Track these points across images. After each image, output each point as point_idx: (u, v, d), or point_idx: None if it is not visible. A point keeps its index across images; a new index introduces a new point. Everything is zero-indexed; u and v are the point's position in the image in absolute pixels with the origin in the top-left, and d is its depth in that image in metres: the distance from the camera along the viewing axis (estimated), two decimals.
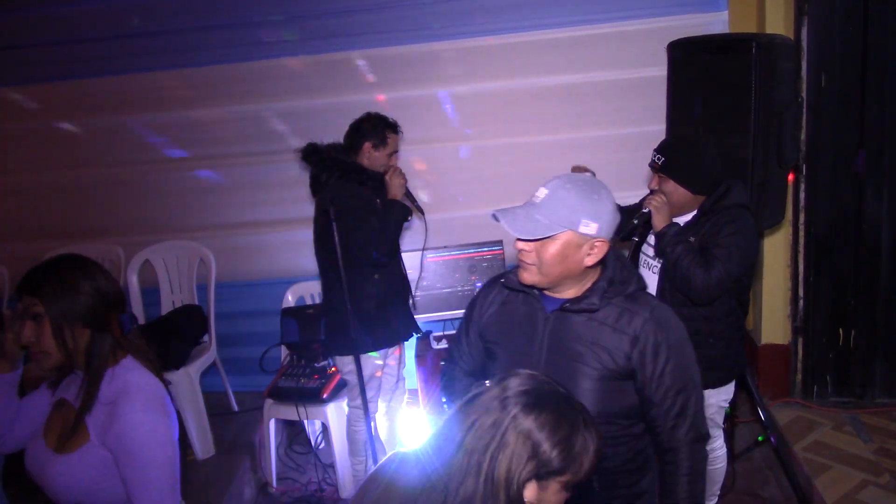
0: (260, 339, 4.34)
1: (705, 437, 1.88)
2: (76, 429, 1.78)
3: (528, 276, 1.81)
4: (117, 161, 4.52)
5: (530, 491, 1.30)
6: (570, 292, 1.84)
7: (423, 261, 3.85)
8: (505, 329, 1.94)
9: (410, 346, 3.82)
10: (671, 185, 2.64)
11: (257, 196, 4.45)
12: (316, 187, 3.25)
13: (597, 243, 1.75)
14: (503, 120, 4.22)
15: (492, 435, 1.30)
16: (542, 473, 1.29)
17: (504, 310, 1.96)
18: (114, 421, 1.74)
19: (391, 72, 4.22)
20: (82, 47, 4.36)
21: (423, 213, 3.47)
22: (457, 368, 2.12)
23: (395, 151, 3.35)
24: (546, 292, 1.87)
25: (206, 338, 4.28)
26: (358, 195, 3.17)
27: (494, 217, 1.77)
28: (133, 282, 4.36)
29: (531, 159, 4.17)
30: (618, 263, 1.86)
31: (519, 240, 1.76)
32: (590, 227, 1.72)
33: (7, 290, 4.39)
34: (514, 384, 1.36)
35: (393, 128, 3.33)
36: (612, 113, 4.12)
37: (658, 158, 2.64)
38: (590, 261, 1.77)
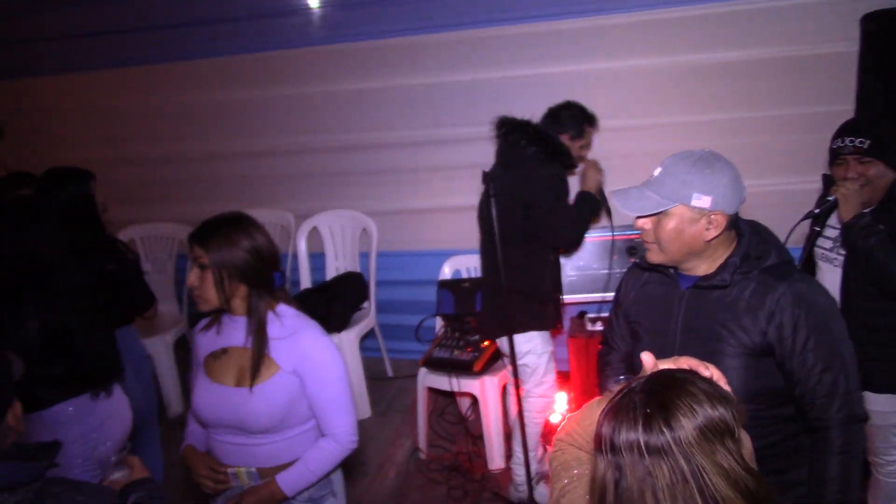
0: (416, 309, 4.45)
1: (861, 418, 1.76)
2: (261, 363, 2.03)
3: (652, 255, 1.82)
4: (295, 132, 4.73)
5: (746, 456, 1.15)
6: (702, 269, 1.80)
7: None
8: (644, 310, 1.94)
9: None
10: (879, 169, 2.38)
11: (420, 169, 4.53)
12: (512, 160, 3.17)
13: (714, 217, 1.71)
14: (662, 99, 4.01)
15: (681, 479, 1.07)
16: (736, 438, 1.12)
17: (644, 290, 1.96)
18: (299, 349, 2.03)
19: (545, 47, 4.11)
20: (270, 22, 4.57)
21: (610, 214, 3.49)
22: (613, 353, 2.11)
23: (589, 144, 3.32)
24: (681, 270, 1.84)
25: (366, 304, 4.44)
26: (562, 179, 3.14)
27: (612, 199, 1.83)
28: (302, 247, 4.59)
29: (690, 139, 3.91)
30: (754, 237, 1.80)
31: (637, 219, 1.78)
32: (702, 201, 1.69)
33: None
34: (621, 431, 1.11)
35: (591, 121, 3.30)
36: (787, 92, 3.80)
37: (860, 142, 2.36)
38: (709, 235, 1.73)
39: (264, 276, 2.04)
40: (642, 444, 1.08)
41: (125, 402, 2.67)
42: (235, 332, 2.09)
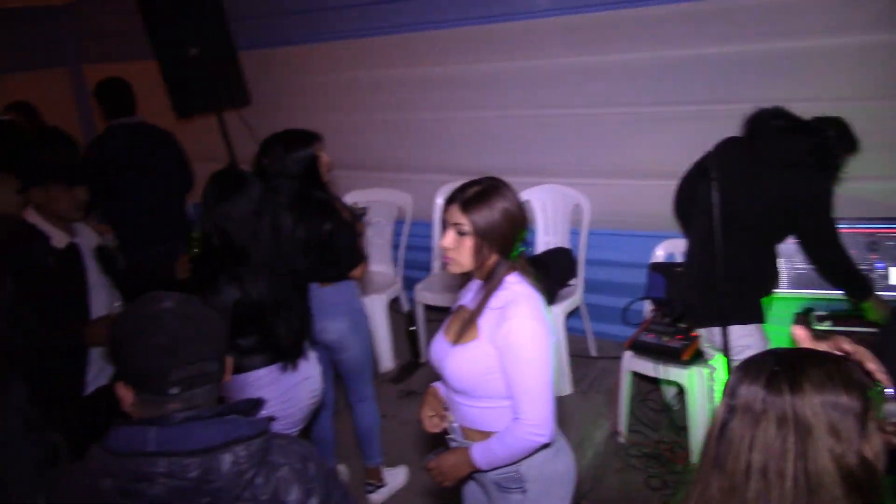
0: (624, 290, 4.34)
1: None
2: (468, 327, 2.08)
3: None
4: (515, 104, 4.75)
5: (866, 451, 1.11)
6: None
7: None
8: None
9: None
10: None
11: (638, 146, 4.38)
12: (783, 159, 2.92)
13: None
14: None
15: (781, 443, 1.09)
16: (863, 423, 1.09)
17: None
18: (502, 323, 1.99)
19: (791, 19, 3.74)
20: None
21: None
22: None
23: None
24: None
25: (573, 281, 4.41)
26: (833, 197, 2.94)
27: None
28: None
29: None
30: None
31: None
32: None
33: (410, 214, 5.04)
34: (745, 381, 1.17)
35: (855, 147, 3.03)
36: None
37: None
38: None
39: (512, 244, 2.05)
40: (760, 397, 1.12)
41: (315, 371, 2.84)
42: (472, 293, 2.17)
